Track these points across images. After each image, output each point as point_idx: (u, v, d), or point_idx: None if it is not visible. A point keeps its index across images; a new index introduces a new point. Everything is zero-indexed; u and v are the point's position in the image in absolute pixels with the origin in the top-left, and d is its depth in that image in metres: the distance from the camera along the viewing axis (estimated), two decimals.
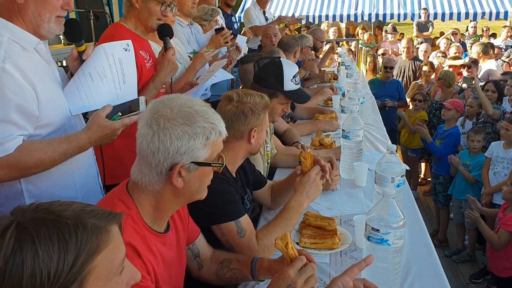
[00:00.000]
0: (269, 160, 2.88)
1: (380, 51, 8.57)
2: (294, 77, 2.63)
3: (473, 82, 5.25)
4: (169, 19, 2.91)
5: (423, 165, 6.36)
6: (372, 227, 1.52)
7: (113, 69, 1.79)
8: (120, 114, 1.67)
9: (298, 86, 2.67)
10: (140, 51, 2.40)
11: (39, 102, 1.57)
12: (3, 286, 0.82)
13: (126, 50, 1.86)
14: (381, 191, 1.97)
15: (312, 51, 5.52)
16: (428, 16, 10.69)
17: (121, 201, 1.37)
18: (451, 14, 11.35)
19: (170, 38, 2.41)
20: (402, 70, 7.24)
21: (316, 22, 11.65)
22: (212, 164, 1.38)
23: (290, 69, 2.66)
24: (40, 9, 1.59)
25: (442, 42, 8.53)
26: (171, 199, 1.40)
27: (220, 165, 1.41)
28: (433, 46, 9.29)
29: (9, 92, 1.49)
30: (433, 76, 6.61)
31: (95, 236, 0.89)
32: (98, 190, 1.97)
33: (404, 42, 7.41)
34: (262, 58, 3.38)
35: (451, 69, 6.28)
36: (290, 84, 2.61)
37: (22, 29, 1.60)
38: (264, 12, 6.22)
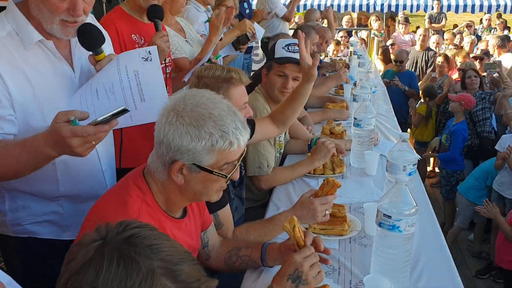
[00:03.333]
0: (281, 150, 2.86)
1: (389, 42, 8.49)
2: (287, 45, 2.65)
3: (496, 66, 5.39)
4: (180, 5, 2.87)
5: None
6: (384, 213, 1.51)
7: (124, 84, 1.56)
8: (77, 121, 1.33)
9: (290, 54, 2.62)
10: (133, 35, 2.34)
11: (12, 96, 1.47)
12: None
13: (146, 59, 1.61)
14: (393, 179, 1.97)
15: None
16: (442, 7, 10.53)
17: (136, 186, 1.38)
18: (465, 6, 11.17)
19: (161, 20, 2.31)
20: (415, 61, 7.16)
21: None
22: (214, 172, 1.31)
23: (285, 40, 2.73)
24: (40, 5, 1.48)
25: (446, 36, 8.47)
26: (176, 193, 1.38)
27: (223, 176, 1.34)
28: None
29: None
30: (446, 69, 6.55)
31: None
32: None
33: (421, 30, 7.33)
34: None
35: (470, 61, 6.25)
36: (281, 51, 2.65)
37: (31, 23, 1.52)
38: None
